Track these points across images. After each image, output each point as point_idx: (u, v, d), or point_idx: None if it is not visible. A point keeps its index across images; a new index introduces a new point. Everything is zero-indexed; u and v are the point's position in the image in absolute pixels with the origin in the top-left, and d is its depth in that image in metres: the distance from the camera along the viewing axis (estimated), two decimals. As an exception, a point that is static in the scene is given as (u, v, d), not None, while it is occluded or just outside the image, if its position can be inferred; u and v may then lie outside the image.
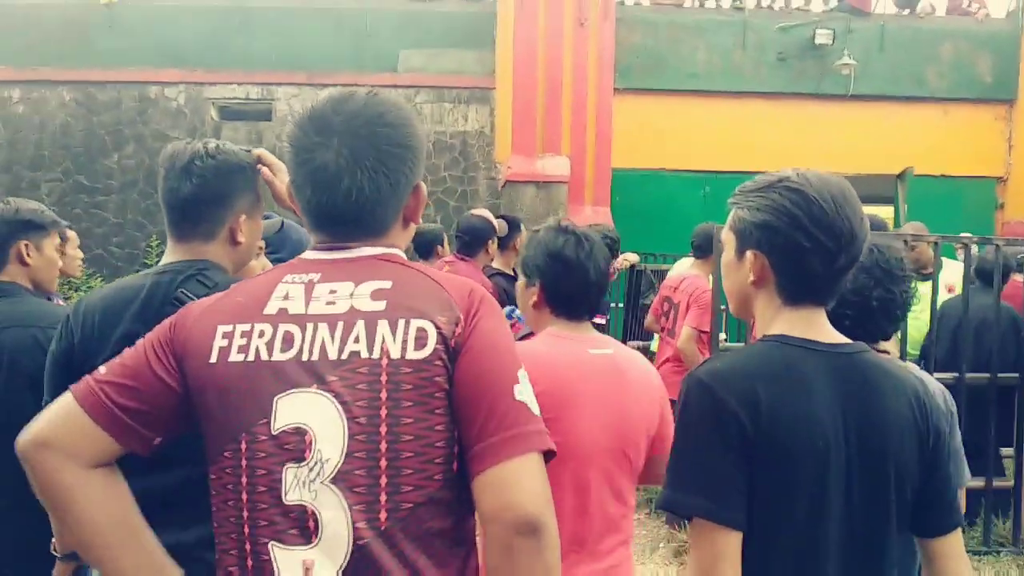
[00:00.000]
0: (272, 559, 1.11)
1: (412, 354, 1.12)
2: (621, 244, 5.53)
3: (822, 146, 11.12)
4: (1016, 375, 4.46)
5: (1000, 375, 4.37)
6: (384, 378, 1.11)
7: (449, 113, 10.93)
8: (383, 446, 1.10)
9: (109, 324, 1.58)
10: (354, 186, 1.20)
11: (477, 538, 1.19)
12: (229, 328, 1.17)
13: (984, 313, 4.42)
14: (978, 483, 4.20)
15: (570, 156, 9.99)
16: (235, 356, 1.15)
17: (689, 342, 4.57)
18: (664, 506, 1.33)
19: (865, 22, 11.23)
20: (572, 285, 1.94)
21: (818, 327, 1.39)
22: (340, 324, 1.15)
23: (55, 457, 1.13)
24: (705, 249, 4.77)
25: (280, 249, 4.05)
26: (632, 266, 6.16)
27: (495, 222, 4.34)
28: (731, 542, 1.25)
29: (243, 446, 1.13)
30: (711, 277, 4.59)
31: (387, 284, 1.18)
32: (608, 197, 9.95)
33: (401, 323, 1.13)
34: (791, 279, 1.37)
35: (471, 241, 4.23)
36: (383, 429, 1.10)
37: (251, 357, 1.14)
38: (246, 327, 1.16)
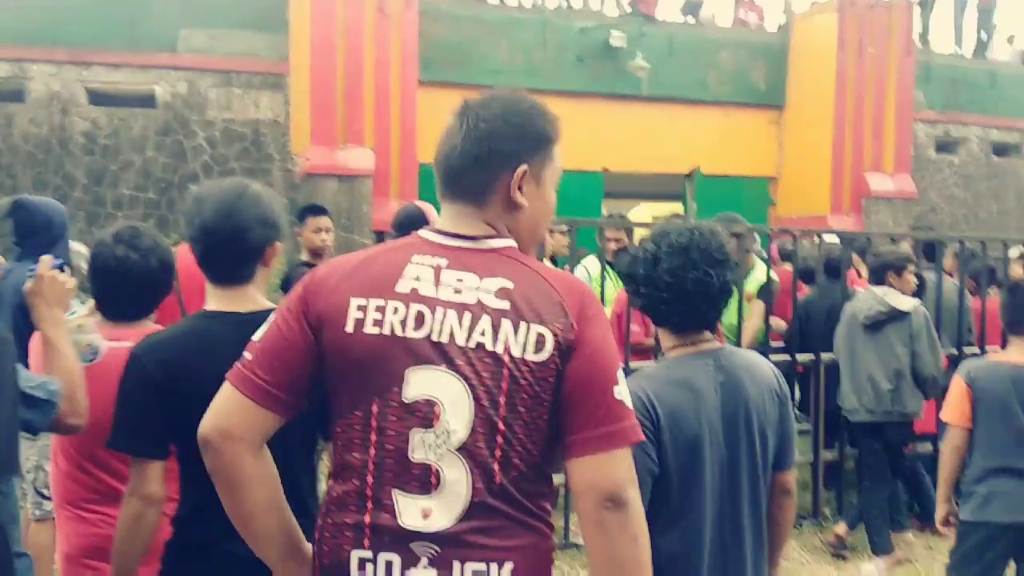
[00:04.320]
0: (394, 502, 1.29)
1: (531, 356, 1.28)
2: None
3: (618, 145, 11.53)
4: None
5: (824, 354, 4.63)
6: (506, 372, 1.28)
7: (238, 99, 10.08)
8: (501, 426, 1.28)
9: None
10: (455, 145, 1.38)
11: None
12: (363, 301, 1.31)
13: (833, 301, 4.70)
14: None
15: (374, 149, 9.55)
16: (370, 328, 1.30)
17: None
18: None
19: (655, 27, 11.77)
20: None
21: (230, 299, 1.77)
22: (467, 314, 1.29)
23: (238, 446, 1.32)
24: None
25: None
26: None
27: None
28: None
29: (374, 409, 1.30)
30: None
31: (509, 284, 1.32)
32: (416, 192, 9.61)
33: (523, 325, 1.29)
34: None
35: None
36: (502, 412, 1.28)
37: (386, 331, 1.29)
38: (380, 302, 1.31)
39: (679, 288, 1.87)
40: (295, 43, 9.98)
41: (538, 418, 1.29)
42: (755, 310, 4.67)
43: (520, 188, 1.39)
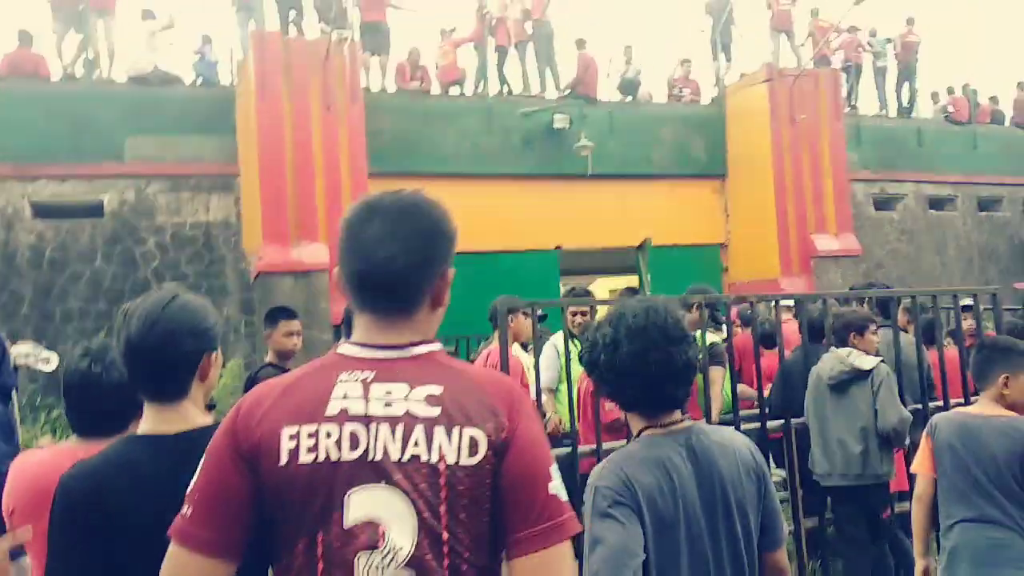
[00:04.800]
0: None
1: (466, 460, 1.28)
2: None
3: (570, 223, 11.71)
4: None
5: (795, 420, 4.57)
6: (443, 480, 1.27)
7: (188, 203, 10.06)
8: (445, 535, 1.27)
9: None
10: (391, 253, 1.36)
11: None
12: (295, 430, 1.29)
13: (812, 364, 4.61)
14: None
15: (328, 243, 9.54)
16: (305, 457, 1.28)
17: None
18: None
19: (596, 108, 12.13)
20: None
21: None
22: (400, 426, 1.29)
23: None
24: (495, 320, 4.68)
25: None
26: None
27: None
28: None
29: (319, 538, 1.27)
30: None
31: (438, 390, 1.32)
32: (370, 283, 9.58)
33: (456, 430, 1.29)
34: None
35: None
36: (444, 521, 1.27)
37: (321, 458, 1.27)
38: (312, 428, 1.29)
39: (643, 371, 1.85)
40: (243, 143, 10.05)
41: (480, 521, 1.29)
42: (716, 378, 4.68)
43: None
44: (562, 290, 11.30)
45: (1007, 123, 15.78)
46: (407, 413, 1.29)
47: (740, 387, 4.77)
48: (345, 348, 1.39)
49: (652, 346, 1.85)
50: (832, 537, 4.71)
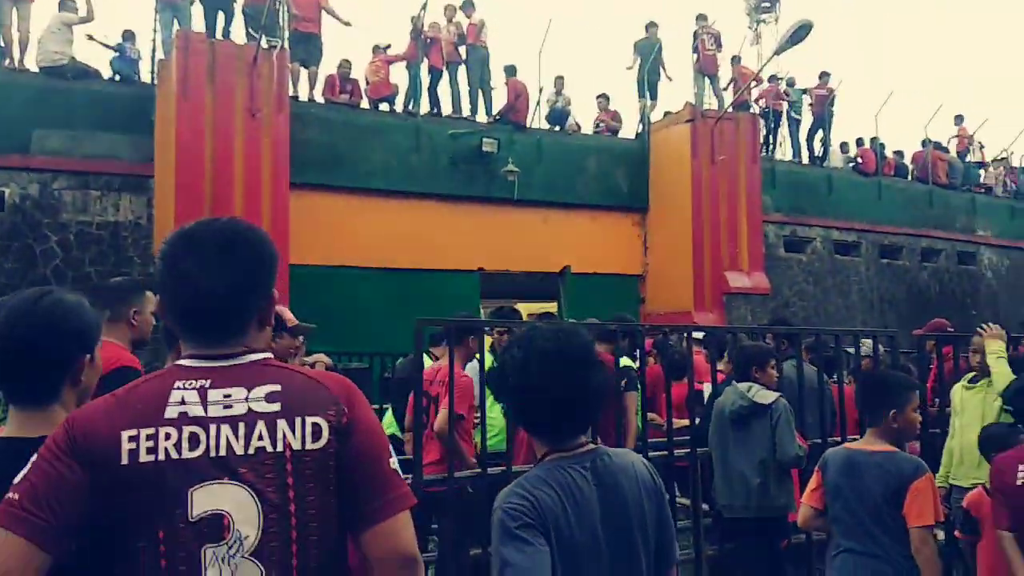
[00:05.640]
0: None
1: (311, 445, 1.39)
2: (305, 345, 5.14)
3: (493, 246, 11.74)
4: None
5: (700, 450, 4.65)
6: (290, 467, 1.37)
7: (96, 201, 9.64)
8: (293, 521, 1.36)
9: None
10: (214, 286, 1.42)
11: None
12: (134, 432, 1.32)
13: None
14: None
15: (243, 251, 9.28)
16: (145, 457, 1.32)
17: (445, 424, 4.31)
18: None
19: (524, 135, 12.25)
20: None
21: None
22: (242, 424, 1.37)
23: None
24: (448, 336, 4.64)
25: None
26: (327, 369, 5.74)
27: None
28: None
29: (160, 535, 1.31)
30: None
31: (277, 387, 1.42)
32: (287, 293, 9.36)
33: (298, 420, 1.39)
34: None
35: None
36: (292, 508, 1.36)
37: (161, 457, 1.32)
38: (151, 431, 1.33)
39: (551, 394, 1.84)
40: (160, 144, 9.71)
41: (328, 501, 1.39)
42: (630, 403, 4.74)
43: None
44: (483, 312, 11.30)
45: (910, 176, 16.69)
46: (249, 411, 1.37)
47: (650, 415, 4.83)
48: (181, 361, 1.45)
49: (561, 370, 1.84)
50: (733, 566, 4.80)
